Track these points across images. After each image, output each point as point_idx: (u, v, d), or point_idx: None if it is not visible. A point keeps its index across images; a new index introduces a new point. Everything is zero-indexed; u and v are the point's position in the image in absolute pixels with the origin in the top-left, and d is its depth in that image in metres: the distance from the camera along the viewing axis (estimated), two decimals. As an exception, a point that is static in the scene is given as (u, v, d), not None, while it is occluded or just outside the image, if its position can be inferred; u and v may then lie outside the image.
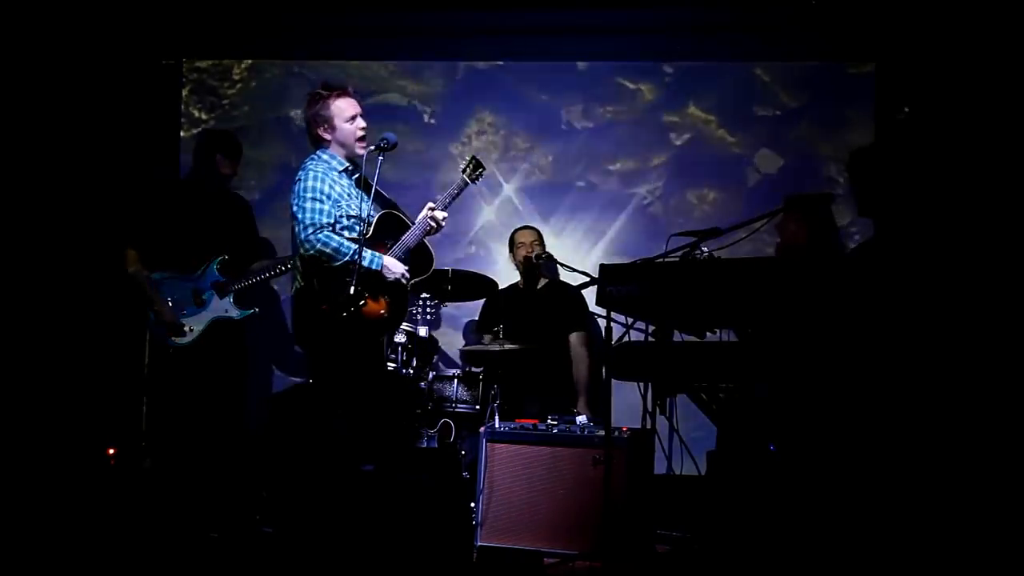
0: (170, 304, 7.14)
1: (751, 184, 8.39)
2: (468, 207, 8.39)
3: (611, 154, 8.57)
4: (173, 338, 7.12)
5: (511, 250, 7.94)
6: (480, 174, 6.73)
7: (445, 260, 8.04)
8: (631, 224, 8.51)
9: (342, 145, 6.30)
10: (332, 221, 6.12)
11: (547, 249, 7.82)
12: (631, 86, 8.57)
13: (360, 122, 6.31)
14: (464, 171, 6.66)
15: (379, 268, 6.12)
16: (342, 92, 6.36)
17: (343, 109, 6.30)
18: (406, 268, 6.25)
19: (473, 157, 6.75)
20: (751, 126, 8.43)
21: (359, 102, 6.42)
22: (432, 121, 8.74)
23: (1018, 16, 6.80)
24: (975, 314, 5.26)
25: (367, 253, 6.05)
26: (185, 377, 7.16)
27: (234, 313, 7.20)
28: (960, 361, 5.17)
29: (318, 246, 6.04)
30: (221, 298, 7.19)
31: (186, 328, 7.13)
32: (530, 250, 7.75)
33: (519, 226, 8.07)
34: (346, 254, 6.04)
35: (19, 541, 6.12)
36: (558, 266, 7.86)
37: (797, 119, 8.37)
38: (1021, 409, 5.31)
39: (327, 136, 6.30)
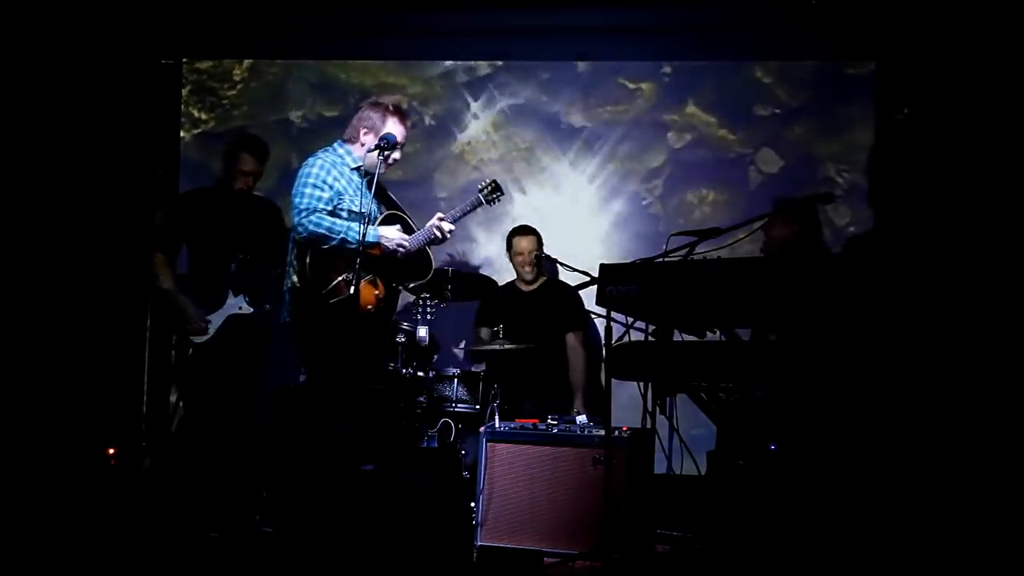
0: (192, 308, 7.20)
1: (751, 184, 8.38)
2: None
3: (611, 154, 8.56)
4: (192, 337, 7.18)
5: (508, 250, 7.94)
6: (497, 198, 6.82)
7: (441, 257, 8.06)
8: (630, 224, 8.50)
9: (367, 148, 6.39)
10: (329, 208, 6.18)
11: (545, 250, 7.82)
12: (631, 86, 8.57)
13: (397, 153, 6.40)
14: (482, 191, 6.76)
15: (376, 239, 6.22)
16: (404, 118, 6.53)
17: (393, 131, 6.38)
18: (404, 236, 6.32)
19: (493, 180, 6.85)
20: (751, 126, 8.42)
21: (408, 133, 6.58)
22: (432, 122, 8.75)
23: (1019, 15, 6.80)
24: (974, 312, 5.27)
25: (361, 227, 6.10)
26: (202, 374, 7.24)
27: (247, 309, 7.23)
28: (960, 359, 5.18)
29: (310, 227, 6.16)
30: (236, 295, 7.22)
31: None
32: (527, 259, 7.77)
33: (517, 227, 8.04)
34: (339, 233, 6.14)
35: (19, 541, 6.11)
36: (557, 265, 7.87)
37: (797, 119, 8.35)
38: (1020, 408, 5.32)
39: (364, 139, 6.40)
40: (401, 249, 6.34)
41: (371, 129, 6.42)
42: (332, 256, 6.15)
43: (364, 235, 6.00)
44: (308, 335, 6.39)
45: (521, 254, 7.81)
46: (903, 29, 7.69)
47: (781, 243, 6.43)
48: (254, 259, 7.28)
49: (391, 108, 6.49)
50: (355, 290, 5.89)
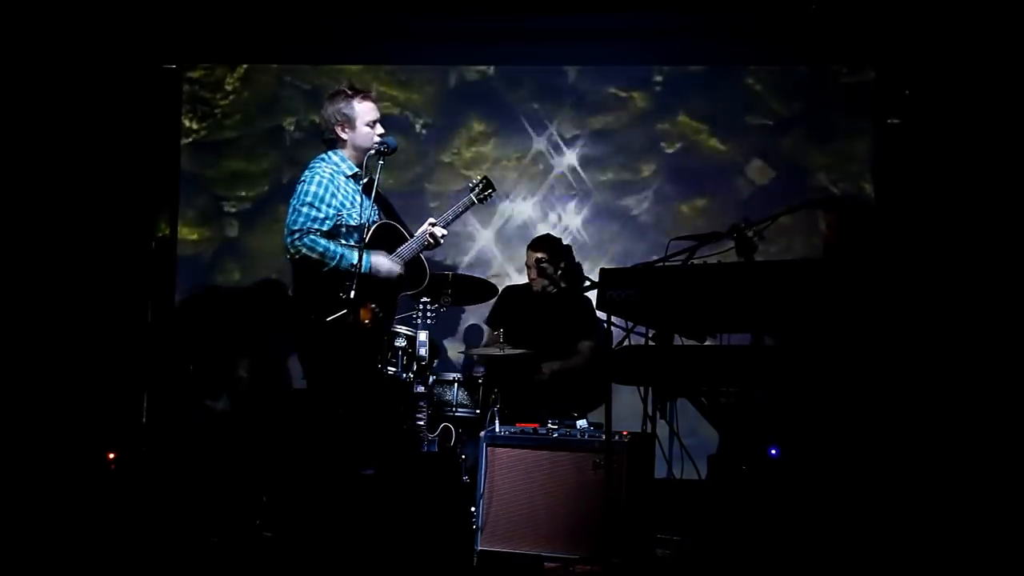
0: None
1: (742, 192, 8.40)
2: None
3: (602, 163, 8.59)
4: None
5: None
6: (489, 195, 6.84)
7: (439, 267, 8.05)
8: (622, 232, 8.52)
9: (355, 148, 6.36)
10: (324, 228, 6.15)
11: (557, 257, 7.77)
12: (622, 94, 8.59)
13: (379, 128, 6.37)
14: (473, 190, 6.77)
15: (368, 269, 6.16)
16: (367, 95, 6.46)
17: (366, 112, 6.38)
18: (395, 263, 6.34)
19: (485, 177, 6.88)
20: (742, 134, 8.45)
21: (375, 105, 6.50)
22: (423, 131, 8.75)
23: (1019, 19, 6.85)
24: (975, 315, 5.30)
25: (356, 255, 6.08)
26: None
27: None
28: (960, 362, 5.20)
29: (303, 251, 6.11)
30: None
31: None
32: (535, 274, 7.70)
33: (536, 238, 7.93)
34: (334, 257, 6.10)
35: (20, 545, 6.09)
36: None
37: (789, 127, 8.38)
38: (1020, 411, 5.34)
39: (344, 135, 6.35)
40: (393, 275, 6.33)
41: (346, 122, 6.37)
42: (329, 278, 6.13)
43: (360, 260, 5.97)
44: (305, 346, 6.40)
45: (529, 266, 7.77)
46: (905, 36, 7.71)
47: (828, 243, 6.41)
48: None
49: (349, 92, 6.43)
50: (351, 297, 5.87)
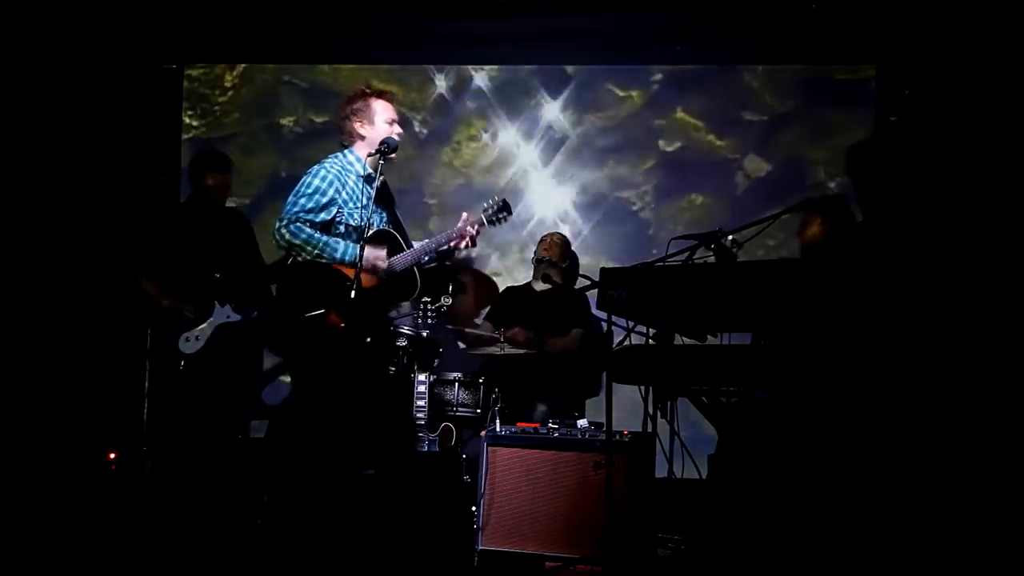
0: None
1: (740, 189, 8.42)
2: (457, 213, 8.28)
3: (601, 160, 8.60)
4: (183, 349, 7.12)
5: (538, 244, 7.86)
6: (503, 219, 6.56)
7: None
8: (620, 229, 8.53)
9: (372, 145, 6.26)
10: (317, 220, 6.10)
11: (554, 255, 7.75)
12: (620, 92, 8.59)
13: (396, 128, 6.31)
14: (486, 211, 6.51)
15: (352, 259, 6.07)
16: (385, 94, 6.39)
17: (385, 110, 6.32)
18: (380, 255, 6.19)
19: (503, 200, 6.56)
20: (740, 131, 8.45)
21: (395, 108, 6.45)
22: (422, 129, 8.76)
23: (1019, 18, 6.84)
24: (975, 316, 5.29)
25: (342, 245, 6.08)
26: (192, 382, 7.17)
27: (234, 317, 7.19)
28: (961, 362, 5.19)
29: (287, 237, 6.04)
30: (221, 305, 7.17)
31: (194, 336, 7.13)
32: (545, 252, 7.69)
33: (550, 234, 7.90)
34: (316, 244, 6.02)
35: (20, 546, 6.09)
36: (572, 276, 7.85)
37: (786, 123, 8.40)
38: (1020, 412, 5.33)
39: (363, 131, 6.28)
40: (378, 266, 6.22)
41: (365, 118, 6.29)
42: (307, 278, 6.09)
43: (360, 263, 5.85)
44: (288, 347, 6.39)
45: (541, 244, 7.75)
46: (906, 33, 7.71)
47: (811, 245, 6.42)
48: (232, 269, 7.25)
49: (372, 91, 6.38)
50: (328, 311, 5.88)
